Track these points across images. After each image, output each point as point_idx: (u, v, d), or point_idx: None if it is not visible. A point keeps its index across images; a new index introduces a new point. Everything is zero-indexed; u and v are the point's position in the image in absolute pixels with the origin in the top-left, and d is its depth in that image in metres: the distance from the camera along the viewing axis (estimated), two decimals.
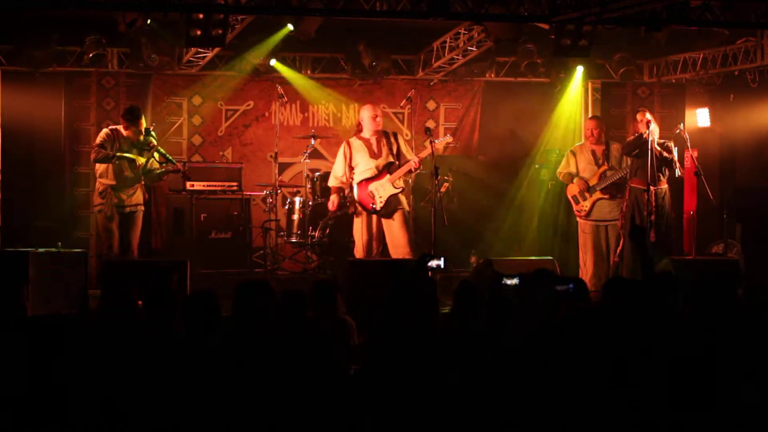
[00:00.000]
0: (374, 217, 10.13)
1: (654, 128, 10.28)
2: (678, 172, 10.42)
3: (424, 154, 10.21)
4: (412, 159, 10.13)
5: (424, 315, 5.07)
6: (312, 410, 4.63)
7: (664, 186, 10.36)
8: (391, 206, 10.09)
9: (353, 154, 10.21)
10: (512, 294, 5.81)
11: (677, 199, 12.96)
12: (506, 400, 4.64)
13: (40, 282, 9.04)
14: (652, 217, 10.20)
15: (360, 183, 10.16)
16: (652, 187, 10.20)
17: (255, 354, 4.80)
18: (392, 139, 10.24)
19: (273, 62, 12.10)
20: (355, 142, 10.26)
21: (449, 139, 10.57)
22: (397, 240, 10.08)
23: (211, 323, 5.08)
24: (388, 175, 10.11)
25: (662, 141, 10.46)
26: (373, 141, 10.21)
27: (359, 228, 10.16)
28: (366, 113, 10.26)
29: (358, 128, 10.36)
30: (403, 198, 10.19)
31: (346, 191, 10.25)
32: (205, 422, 4.61)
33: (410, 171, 10.21)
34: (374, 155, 10.18)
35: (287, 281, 10.80)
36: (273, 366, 4.75)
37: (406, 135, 12.29)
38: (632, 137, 10.53)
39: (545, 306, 5.08)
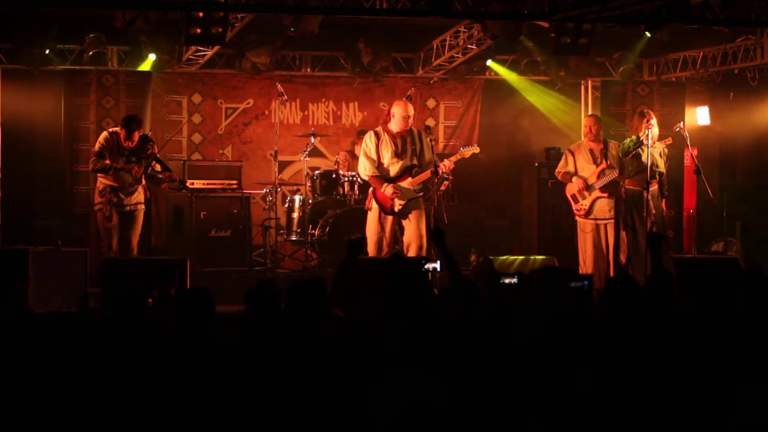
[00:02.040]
0: (388, 215, 10.08)
1: (655, 131, 10.27)
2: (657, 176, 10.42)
3: (454, 159, 10.07)
4: (440, 164, 9.88)
5: (420, 312, 5.05)
6: (311, 410, 4.63)
7: (655, 187, 10.36)
8: (408, 208, 9.98)
9: (380, 146, 10.00)
10: (511, 293, 5.80)
11: (677, 197, 12.99)
12: (509, 396, 4.64)
13: (40, 280, 9.04)
14: (652, 218, 10.22)
15: None
16: (650, 188, 10.21)
17: (262, 353, 4.79)
18: (417, 139, 10.02)
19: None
20: (383, 135, 10.02)
21: (476, 149, 10.28)
22: (411, 240, 10.01)
23: (208, 320, 5.07)
24: (409, 178, 9.95)
25: (662, 146, 10.44)
26: (399, 138, 10.01)
27: (372, 224, 10.01)
28: (398, 111, 9.98)
29: (386, 119, 10.13)
30: (421, 200, 10.01)
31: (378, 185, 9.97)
32: (206, 422, 4.61)
33: (436, 174, 9.86)
34: (398, 154, 9.99)
35: (287, 280, 10.80)
36: (275, 365, 4.75)
37: None
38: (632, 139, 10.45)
39: (554, 302, 5.03)
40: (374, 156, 9.99)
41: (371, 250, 9.93)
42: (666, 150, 10.53)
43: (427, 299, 5.14)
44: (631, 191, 10.43)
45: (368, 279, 8.61)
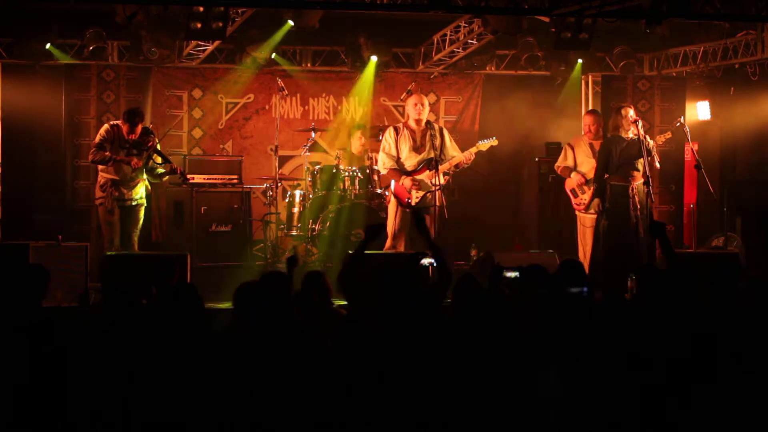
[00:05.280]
0: (405, 209, 10.12)
1: (630, 116, 10.15)
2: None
3: (473, 151, 10.22)
4: (460, 156, 10.12)
5: (418, 308, 5.05)
6: (307, 404, 4.63)
7: (640, 182, 10.15)
8: (425, 202, 10.08)
9: (399, 141, 10.22)
10: (513, 287, 5.80)
11: (678, 192, 12.98)
12: (510, 394, 4.64)
13: None
14: (638, 212, 10.08)
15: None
16: (635, 182, 10.13)
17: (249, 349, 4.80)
18: (437, 134, 10.18)
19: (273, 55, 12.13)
20: (402, 130, 10.27)
21: (494, 141, 10.43)
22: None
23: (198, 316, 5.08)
24: (427, 172, 10.07)
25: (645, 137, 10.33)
26: (418, 133, 10.20)
27: (390, 217, 10.21)
28: (409, 101, 10.37)
29: (406, 117, 10.41)
30: (438, 194, 10.03)
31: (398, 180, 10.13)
32: (201, 417, 4.62)
33: (457, 166, 10.20)
34: (417, 148, 10.19)
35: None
36: (264, 361, 4.75)
37: None
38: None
39: (551, 301, 5.03)
40: (393, 152, 10.20)
41: (389, 241, 10.06)
42: (651, 142, 10.28)
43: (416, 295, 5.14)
44: (617, 186, 10.25)
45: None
